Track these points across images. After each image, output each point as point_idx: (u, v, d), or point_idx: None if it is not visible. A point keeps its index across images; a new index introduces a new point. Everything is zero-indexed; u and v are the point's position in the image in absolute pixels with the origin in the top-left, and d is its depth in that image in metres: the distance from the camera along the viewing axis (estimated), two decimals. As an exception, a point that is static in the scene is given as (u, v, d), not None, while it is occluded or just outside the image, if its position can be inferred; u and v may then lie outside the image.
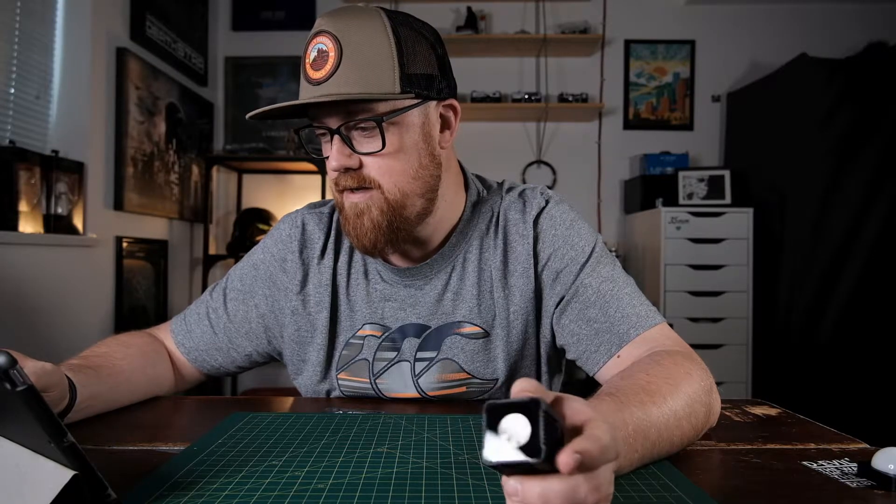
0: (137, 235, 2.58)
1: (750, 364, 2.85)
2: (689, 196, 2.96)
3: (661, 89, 3.39)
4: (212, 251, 3.17)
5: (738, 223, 2.86)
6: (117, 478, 0.48)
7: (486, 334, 0.79)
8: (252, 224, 3.11)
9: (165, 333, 0.88)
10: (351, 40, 0.67)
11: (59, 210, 2.08)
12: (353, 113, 0.69)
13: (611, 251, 3.23)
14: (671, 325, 0.75)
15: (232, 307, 0.86)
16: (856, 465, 0.54)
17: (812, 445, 0.61)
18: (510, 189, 0.85)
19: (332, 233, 0.85)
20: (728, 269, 2.85)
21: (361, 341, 0.81)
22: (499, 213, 0.82)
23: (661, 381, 0.57)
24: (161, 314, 2.78)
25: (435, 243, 0.80)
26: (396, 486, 0.48)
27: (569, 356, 0.79)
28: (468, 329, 0.79)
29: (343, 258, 0.83)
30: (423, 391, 0.79)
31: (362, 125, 0.69)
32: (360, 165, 0.71)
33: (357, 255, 0.83)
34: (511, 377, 0.79)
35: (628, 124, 3.39)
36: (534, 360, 0.81)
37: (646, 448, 0.51)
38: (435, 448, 0.57)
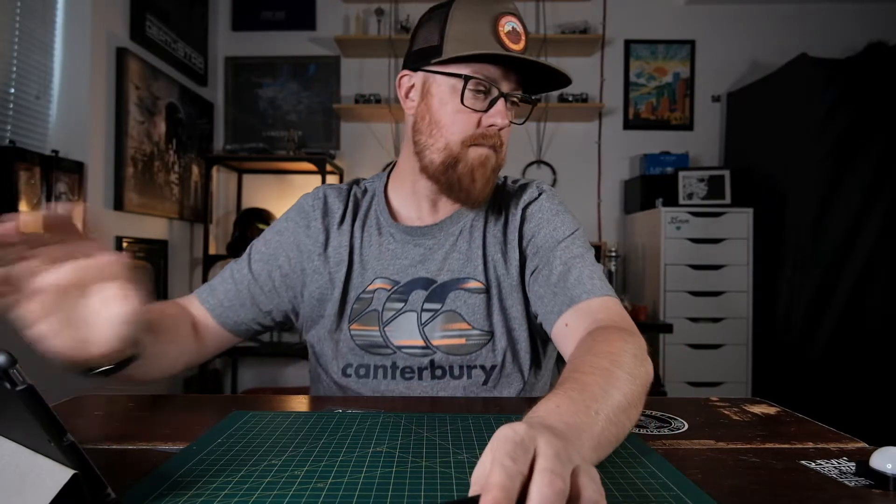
0: (137, 235, 2.58)
1: (750, 364, 2.85)
2: (689, 196, 2.96)
3: (661, 89, 3.39)
4: (212, 251, 3.17)
5: (738, 223, 2.86)
6: (117, 477, 0.48)
7: (486, 290, 0.89)
8: (252, 224, 3.11)
9: (188, 299, 0.91)
10: (528, 32, 0.86)
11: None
12: (519, 89, 0.85)
13: (610, 251, 3.20)
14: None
15: (256, 268, 0.92)
16: (854, 464, 0.54)
17: (811, 444, 0.61)
18: (516, 181, 0.99)
19: (350, 203, 0.95)
20: (728, 269, 2.85)
21: (371, 295, 0.89)
22: (502, 192, 0.96)
23: (607, 364, 0.58)
24: (161, 314, 2.78)
25: (472, 208, 0.92)
26: (396, 485, 0.48)
27: (537, 320, 0.88)
28: (472, 284, 0.89)
29: (358, 223, 0.93)
30: (427, 339, 0.87)
31: (520, 98, 0.86)
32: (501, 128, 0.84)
33: (371, 220, 0.93)
34: (504, 333, 0.88)
35: (628, 124, 3.39)
36: (523, 321, 0.89)
37: (608, 432, 0.50)
38: (435, 448, 0.57)
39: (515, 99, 0.85)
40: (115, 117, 2.42)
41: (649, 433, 0.64)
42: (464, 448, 0.57)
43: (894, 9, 3.24)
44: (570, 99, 3.20)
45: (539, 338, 0.92)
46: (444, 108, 0.84)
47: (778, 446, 0.61)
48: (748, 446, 0.61)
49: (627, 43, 3.38)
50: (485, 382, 0.87)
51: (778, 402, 0.79)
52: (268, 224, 3.12)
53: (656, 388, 2.84)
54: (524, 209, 0.92)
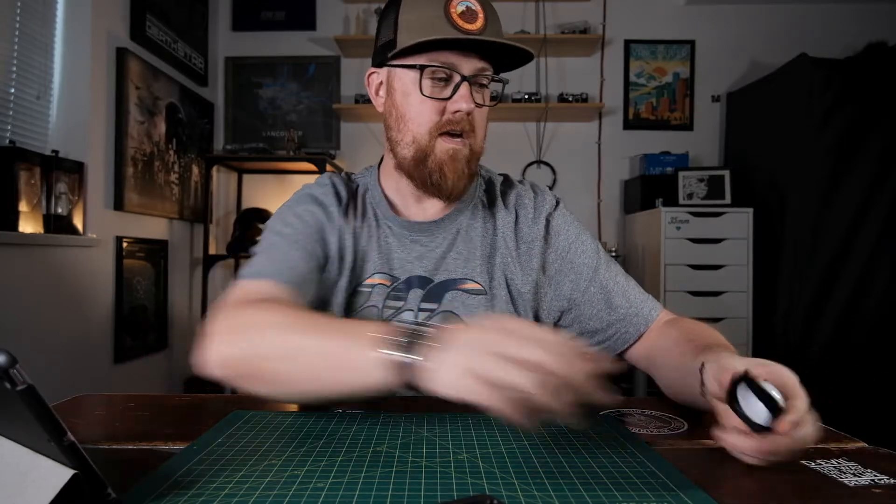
0: (137, 235, 2.58)
1: (750, 364, 2.85)
2: (689, 196, 2.96)
3: (661, 89, 3.39)
4: (212, 251, 3.17)
5: (738, 223, 2.86)
6: (117, 477, 0.48)
7: (486, 292, 0.87)
8: (252, 224, 3.11)
9: (251, 288, 0.77)
10: (488, 5, 0.81)
11: (59, 210, 2.09)
12: (484, 68, 0.82)
13: (610, 251, 3.22)
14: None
15: (301, 244, 0.83)
16: (854, 464, 0.54)
17: (810, 445, 0.61)
18: (520, 180, 0.99)
19: (352, 193, 0.93)
20: (728, 269, 2.85)
21: (370, 289, 0.87)
22: (509, 192, 0.95)
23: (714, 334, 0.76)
24: (161, 314, 2.78)
25: (451, 202, 0.90)
26: (396, 485, 0.48)
27: (591, 341, 0.89)
28: (469, 286, 0.87)
29: (359, 213, 0.91)
30: None
31: (486, 80, 0.83)
32: (469, 113, 0.82)
33: (370, 212, 0.91)
34: None
35: (628, 124, 3.39)
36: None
37: None
38: (435, 447, 0.57)
39: (483, 81, 0.83)
40: (115, 117, 2.42)
41: (649, 433, 0.64)
42: (464, 448, 0.57)
43: (894, 9, 3.24)
44: (570, 99, 3.20)
45: None
46: (407, 100, 0.83)
47: (778, 446, 0.61)
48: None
49: (627, 43, 3.38)
50: None
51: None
52: (268, 224, 3.11)
53: (656, 388, 2.84)
54: (547, 218, 0.91)
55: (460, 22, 0.78)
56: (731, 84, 3.35)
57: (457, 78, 0.80)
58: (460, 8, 0.79)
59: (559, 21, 3.32)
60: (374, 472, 0.51)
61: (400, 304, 0.87)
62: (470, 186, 0.90)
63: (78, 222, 2.19)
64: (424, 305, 0.87)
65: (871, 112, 2.66)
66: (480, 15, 0.79)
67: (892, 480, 0.51)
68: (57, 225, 2.07)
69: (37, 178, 1.99)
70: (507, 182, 0.98)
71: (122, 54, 2.43)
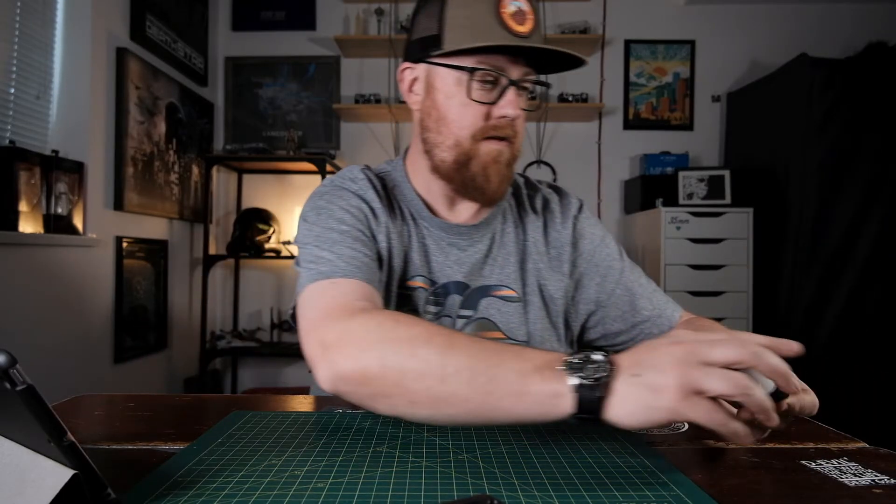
0: (137, 235, 2.58)
1: (750, 364, 2.85)
2: (689, 196, 2.96)
3: (661, 89, 3.39)
4: (212, 251, 3.17)
5: (738, 223, 2.86)
6: (117, 477, 0.48)
7: (521, 299, 0.86)
8: (252, 224, 3.11)
9: (337, 291, 0.70)
10: (536, 8, 0.78)
11: (59, 210, 2.09)
12: (530, 72, 0.79)
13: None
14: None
15: (359, 241, 0.78)
16: (855, 464, 0.54)
17: (811, 444, 0.61)
18: (538, 182, 0.98)
19: (385, 189, 0.88)
20: (728, 269, 2.85)
21: (411, 292, 0.84)
22: (535, 196, 0.94)
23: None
24: (161, 314, 2.78)
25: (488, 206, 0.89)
26: (396, 485, 0.48)
27: (615, 342, 0.90)
28: (504, 292, 0.86)
29: (396, 211, 0.86)
30: None
31: (531, 84, 0.81)
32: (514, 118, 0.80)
33: (407, 211, 0.87)
34: (540, 342, 0.86)
35: (628, 124, 3.39)
36: (557, 328, 0.89)
37: None
38: (435, 447, 0.57)
39: (527, 85, 0.81)
40: (115, 117, 2.42)
41: (649, 433, 0.64)
42: (464, 448, 0.57)
43: (894, 9, 3.24)
44: (570, 99, 3.20)
45: (576, 346, 0.92)
46: (450, 102, 0.79)
47: (778, 446, 0.61)
48: (748, 446, 0.61)
49: (627, 43, 3.38)
50: None
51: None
52: (268, 224, 3.12)
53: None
54: (574, 222, 0.91)
55: (512, 24, 0.75)
56: (731, 84, 3.35)
57: (504, 82, 0.78)
58: (511, 8, 0.75)
59: (559, 21, 3.32)
60: (374, 472, 0.51)
61: (438, 308, 0.84)
62: (508, 190, 0.88)
63: (78, 222, 2.19)
64: (462, 312, 0.85)
65: (871, 112, 2.66)
66: (530, 16, 0.76)
67: (892, 481, 0.51)
68: (57, 225, 2.07)
69: (37, 178, 1.99)
70: (530, 185, 0.97)
71: (122, 54, 2.43)
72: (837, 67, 2.70)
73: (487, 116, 0.79)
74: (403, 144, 3.35)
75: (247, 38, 3.40)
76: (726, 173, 2.95)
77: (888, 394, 2.61)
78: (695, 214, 2.87)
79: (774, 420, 0.48)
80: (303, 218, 0.82)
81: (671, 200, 2.95)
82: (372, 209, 0.82)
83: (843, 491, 0.49)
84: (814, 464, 0.55)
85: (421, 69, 0.83)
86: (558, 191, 0.96)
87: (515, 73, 0.78)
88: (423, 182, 0.88)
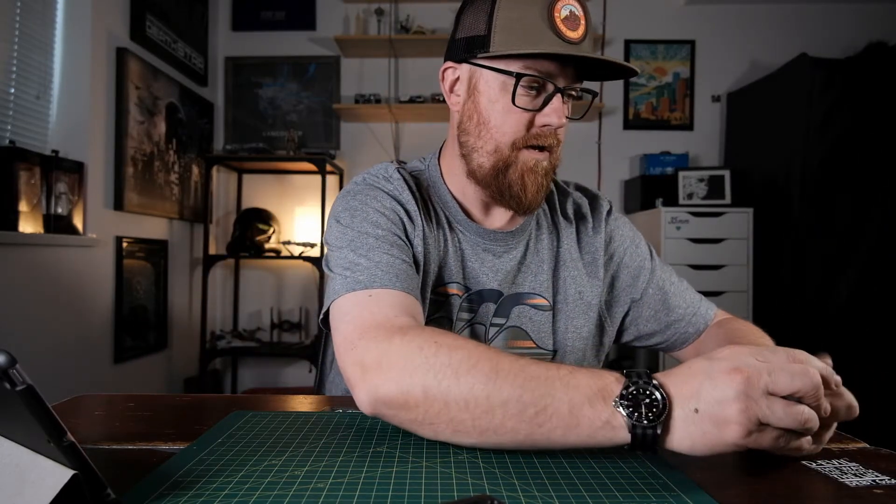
0: (137, 235, 2.58)
1: (750, 364, 2.85)
2: (689, 196, 2.96)
3: (661, 89, 3.39)
4: (212, 251, 3.17)
5: (738, 223, 2.86)
6: (117, 477, 0.48)
7: (551, 308, 0.85)
8: (252, 224, 3.11)
9: (377, 303, 0.67)
10: (588, 12, 0.75)
11: (59, 210, 2.09)
12: (577, 80, 0.76)
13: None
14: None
15: (395, 247, 0.75)
16: (856, 464, 0.54)
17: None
18: (566, 184, 0.96)
19: (420, 190, 0.85)
20: (728, 269, 2.85)
21: (445, 298, 0.82)
22: (566, 202, 0.93)
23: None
24: (161, 314, 2.78)
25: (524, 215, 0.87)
26: (396, 485, 0.48)
27: (649, 343, 0.91)
28: (536, 301, 0.85)
29: (432, 215, 0.84)
30: None
31: (577, 91, 0.78)
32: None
33: (442, 214, 0.85)
34: (568, 352, 0.86)
35: (628, 124, 3.39)
36: (591, 336, 0.88)
37: None
38: (435, 447, 0.57)
39: (574, 93, 0.78)
40: (115, 117, 2.42)
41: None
42: (464, 448, 0.57)
43: (894, 9, 3.24)
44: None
45: (602, 353, 0.91)
46: (493, 106, 0.76)
47: (778, 446, 0.61)
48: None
49: (627, 43, 3.38)
50: None
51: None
52: (268, 224, 3.12)
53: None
54: (605, 226, 0.90)
55: (564, 29, 0.71)
56: (731, 84, 3.35)
57: (550, 88, 0.74)
58: (564, 12, 0.72)
59: (559, 21, 3.32)
60: (374, 472, 0.51)
61: (471, 316, 0.83)
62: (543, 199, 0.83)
63: (78, 222, 2.19)
64: (495, 320, 0.83)
65: (871, 112, 2.66)
66: (582, 22, 0.73)
67: (893, 481, 0.51)
68: (57, 225, 2.07)
69: (37, 178, 1.99)
70: (560, 189, 0.94)
71: (122, 54, 2.43)
72: (837, 67, 2.70)
73: (530, 124, 0.76)
74: (403, 144, 3.34)
75: (247, 38, 3.40)
76: (726, 173, 2.95)
77: (888, 394, 2.61)
78: (695, 214, 2.87)
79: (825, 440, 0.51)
80: (335, 219, 0.79)
81: (671, 200, 2.95)
82: (407, 211, 0.79)
83: (844, 491, 0.49)
84: (814, 464, 0.55)
85: (464, 70, 0.80)
86: (587, 193, 0.95)
87: (563, 80, 0.74)
88: (458, 185, 0.85)
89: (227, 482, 0.48)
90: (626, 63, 0.74)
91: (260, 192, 3.41)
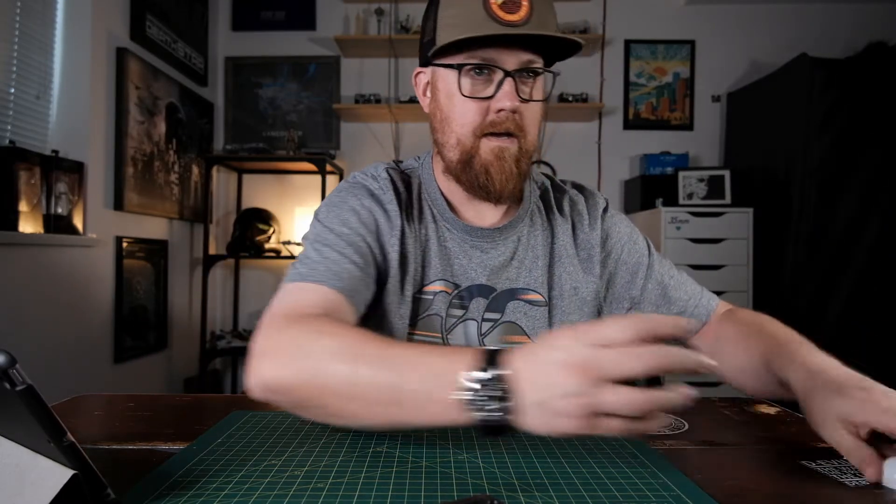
0: (137, 235, 2.58)
1: (750, 364, 2.85)
2: (689, 196, 2.96)
3: (661, 89, 3.39)
4: (212, 251, 3.17)
5: (738, 223, 2.86)
6: (117, 477, 0.48)
7: (546, 304, 0.85)
8: (252, 224, 3.11)
9: (301, 295, 0.71)
10: None
11: (59, 210, 2.09)
12: (531, 61, 0.76)
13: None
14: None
15: (355, 245, 0.77)
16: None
17: (811, 444, 0.61)
18: (563, 182, 0.96)
19: (408, 188, 0.87)
20: (728, 269, 2.85)
21: (432, 296, 0.83)
22: (562, 199, 0.92)
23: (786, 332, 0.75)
24: (161, 314, 2.78)
25: (506, 206, 0.87)
26: (396, 485, 0.48)
27: None
28: (531, 296, 0.85)
29: (417, 212, 0.85)
30: None
31: (535, 71, 0.77)
32: (515, 111, 0.77)
33: (427, 213, 0.86)
34: None
35: (628, 124, 3.39)
36: None
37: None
38: (435, 447, 0.57)
39: (529, 75, 0.77)
40: (115, 117, 2.42)
41: (649, 433, 0.64)
42: (464, 448, 0.57)
43: (894, 9, 3.24)
44: (570, 99, 3.20)
45: None
46: (450, 101, 0.79)
47: (778, 446, 0.61)
48: (748, 446, 0.61)
49: (627, 43, 3.38)
50: None
51: (778, 402, 0.79)
52: (268, 224, 3.12)
53: (656, 389, 2.85)
54: (601, 223, 0.90)
55: (500, 13, 0.72)
56: (731, 84, 3.35)
57: (499, 74, 0.75)
58: None
59: (559, 21, 3.31)
60: (374, 472, 0.51)
61: (462, 312, 0.83)
62: (521, 187, 0.83)
63: (78, 222, 2.19)
64: (488, 315, 0.84)
65: (871, 112, 2.66)
66: (524, 4, 0.73)
67: (892, 480, 0.51)
68: (57, 225, 2.07)
69: (37, 178, 1.99)
70: (556, 186, 0.95)
71: (122, 54, 2.43)
72: (837, 67, 2.70)
73: (486, 112, 0.77)
74: (403, 144, 3.35)
75: (247, 38, 3.40)
76: (726, 173, 2.95)
77: (888, 394, 2.61)
78: (695, 214, 2.87)
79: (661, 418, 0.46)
80: (315, 213, 0.83)
81: (671, 200, 2.95)
82: (386, 211, 0.82)
83: (843, 491, 0.49)
84: (814, 464, 0.55)
85: (428, 72, 0.83)
86: (583, 190, 0.95)
87: (511, 62, 0.75)
88: (444, 183, 0.87)
89: (227, 482, 0.48)
90: (561, 35, 0.73)
91: (260, 192, 3.41)
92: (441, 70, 0.80)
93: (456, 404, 0.48)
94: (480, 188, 0.80)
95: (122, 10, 2.48)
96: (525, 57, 0.76)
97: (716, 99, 3.38)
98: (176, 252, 2.94)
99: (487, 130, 0.77)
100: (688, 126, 3.38)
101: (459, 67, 0.76)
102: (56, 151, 2.11)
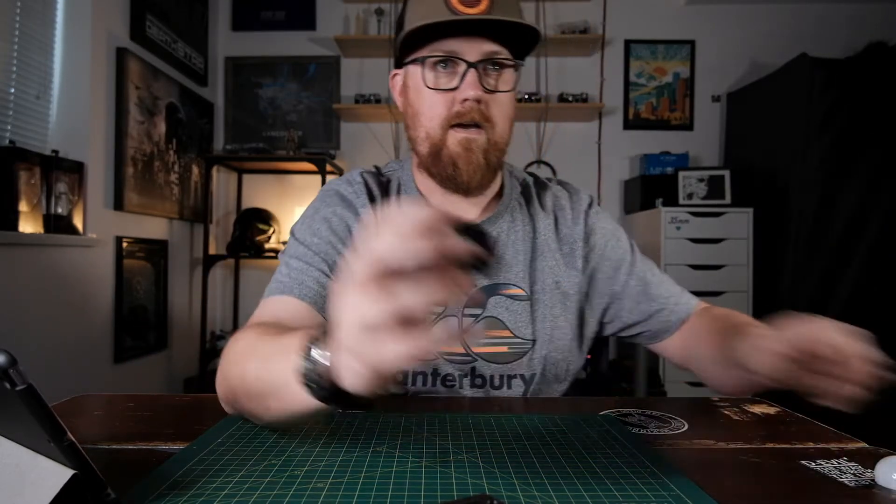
0: (137, 235, 2.58)
1: (750, 364, 2.85)
2: (689, 196, 2.96)
3: (661, 89, 3.39)
4: (212, 251, 3.17)
5: (738, 223, 2.86)
6: (117, 477, 0.48)
7: (529, 298, 0.85)
8: (252, 224, 3.11)
9: (270, 306, 0.76)
10: None
11: (59, 210, 2.09)
12: (495, 52, 0.78)
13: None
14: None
15: (321, 265, 0.80)
16: (855, 464, 0.54)
17: (811, 444, 0.61)
18: (548, 180, 0.98)
19: (385, 190, 0.90)
20: (728, 269, 2.85)
21: None
22: (544, 194, 0.93)
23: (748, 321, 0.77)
24: (161, 314, 2.78)
25: (487, 200, 0.88)
26: (396, 485, 0.48)
27: (631, 333, 0.91)
28: (512, 291, 0.85)
29: None
30: (468, 346, 0.83)
31: (500, 62, 0.79)
32: (480, 102, 0.78)
33: None
34: (547, 341, 0.85)
35: (628, 124, 3.39)
36: (571, 326, 0.88)
37: None
38: (434, 447, 0.57)
39: (493, 66, 0.79)
40: (115, 117, 2.42)
41: (649, 433, 0.64)
42: (464, 448, 0.57)
43: (894, 9, 3.24)
44: (570, 99, 3.20)
45: (585, 345, 0.90)
46: (419, 96, 0.81)
47: (778, 446, 0.61)
48: (748, 446, 0.61)
49: (627, 43, 3.38)
50: (524, 393, 0.84)
51: (778, 402, 0.79)
52: (268, 224, 3.12)
53: (656, 389, 2.84)
54: (585, 218, 0.91)
55: (459, 7, 0.74)
56: (731, 84, 3.35)
57: (462, 66, 0.77)
58: None
59: (559, 21, 3.32)
60: (374, 472, 0.51)
61: (441, 308, 0.83)
62: (491, 179, 0.85)
63: (78, 222, 2.19)
64: (468, 311, 0.85)
65: (871, 112, 2.66)
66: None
67: (892, 480, 0.51)
68: (57, 225, 2.07)
69: (37, 178, 1.99)
70: (539, 183, 0.96)
71: (122, 54, 2.43)
72: (837, 67, 2.70)
73: (453, 103, 0.78)
74: (404, 144, 3.35)
75: (247, 38, 3.40)
76: (726, 173, 2.95)
77: (888, 394, 2.61)
78: (695, 214, 2.87)
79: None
80: (291, 229, 0.87)
81: (671, 200, 2.95)
82: (358, 215, 0.85)
83: (843, 491, 0.49)
84: (814, 464, 0.55)
85: (402, 72, 0.86)
86: (567, 187, 0.96)
87: (473, 54, 0.77)
88: (421, 180, 0.89)
89: (227, 482, 0.48)
90: (516, 20, 0.75)
91: (260, 192, 3.41)
92: (410, 67, 0.82)
93: (303, 390, 0.46)
94: (449, 180, 0.82)
95: (122, 10, 2.48)
96: (488, 48, 0.77)
97: (716, 99, 3.38)
98: (176, 252, 2.94)
99: (454, 122, 0.79)
100: (688, 126, 3.38)
101: (423, 61, 0.79)
102: (56, 151, 2.11)
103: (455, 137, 0.79)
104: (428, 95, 0.79)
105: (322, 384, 0.45)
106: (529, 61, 3.36)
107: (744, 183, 2.98)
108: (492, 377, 0.84)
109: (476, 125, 0.79)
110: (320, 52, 3.39)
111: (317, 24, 3.39)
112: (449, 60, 0.78)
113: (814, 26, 3.28)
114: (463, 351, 0.83)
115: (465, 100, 0.77)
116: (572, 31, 3.23)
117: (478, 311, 0.85)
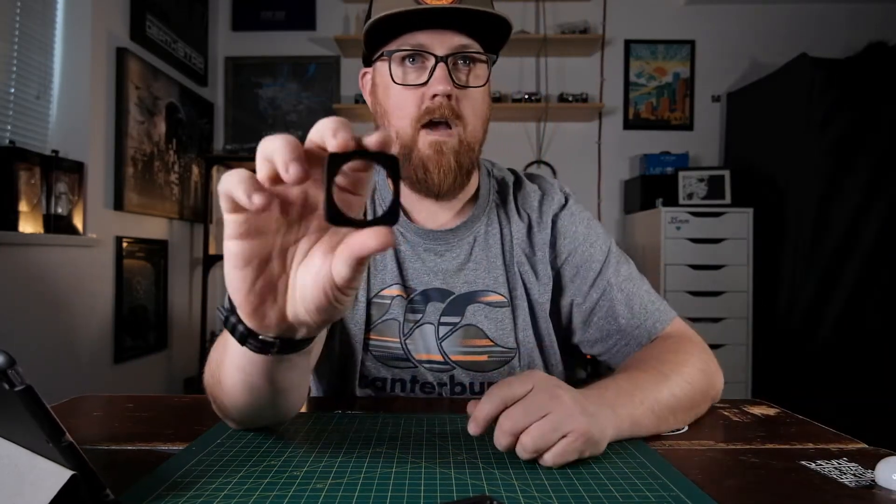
0: (137, 235, 2.58)
1: (750, 364, 2.85)
2: (689, 196, 2.96)
3: (661, 89, 3.39)
4: (212, 251, 3.17)
5: (738, 223, 2.86)
6: (116, 478, 0.48)
7: (509, 304, 0.82)
8: (252, 224, 3.10)
9: None
10: None
11: (59, 210, 2.09)
12: (465, 46, 0.74)
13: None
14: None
15: None
16: (855, 465, 0.54)
17: (811, 445, 0.61)
18: (530, 177, 0.92)
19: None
20: (728, 269, 2.85)
21: (389, 300, 0.81)
22: (520, 196, 0.88)
23: (663, 359, 0.68)
24: (161, 314, 2.78)
25: (461, 204, 0.84)
26: (396, 485, 0.48)
27: (593, 351, 0.84)
28: (492, 298, 0.82)
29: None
30: (446, 355, 0.81)
31: (471, 56, 0.75)
32: (451, 97, 0.74)
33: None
34: (532, 349, 0.82)
35: (628, 124, 3.39)
36: (548, 335, 0.84)
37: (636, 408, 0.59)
38: (434, 447, 0.57)
39: (464, 60, 0.75)
40: (115, 117, 2.42)
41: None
42: (464, 448, 0.57)
43: (894, 9, 3.24)
44: (570, 99, 3.20)
45: (568, 353, 0.87)
46: (387, 93, 0.77)
47: (778, 447, 0.61)
48: (748, 447, 0.61)
49: (627, 43, 3.38)
50: None
51: (778, 402, 0.79)
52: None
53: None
54: (553, 220, 0.85)
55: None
56: (731, 84, 3.35)
57: (431, 60, 0.73)
58: None
59: (559, 21, 3.32)
60: (374, 472, 0.51)
61: (418, 316, 0.81)
62: (464, 183, 0.80)
63: (78, 222, 2.19)
64: (445, 319, 0.81)
65: (871, 112, 2.66)
66: None
67: (892, 481, 0.50)
68: (57, 225, 2.07)
69: (37, 178, 1.99)
70: (518, 182, 0.90)
71: (122, 54, 2.43)
72: (837, 67, 2.70)
73: (422, 100, 0.74)
74: (403, 144, 3.35)
75: (247, 38, 3.40)
76: (726, 173, 2.95)
77: (888, 394, 2.61)
78: (695, 214, 2.87)
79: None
80: None
81: (671, 200, 2.95)
82: None
83: (844, 491, 0.49)
84: (814, 464, 0.55)
85: (370, 71, 0.83)
86: (543, 187, 0.89)
87: (442, 47, 0.73)
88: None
89: (227, 482, 0.48)
90: (483, 9, 0.71)
91: (260, 192, 3.41)
92: (378, 64, 0.79)
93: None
94: (419, 183, 0.77)
95: (122, 10, 2.48)
96: (457, 41, 0.74)
97: (716, 99, 3.38)
98: (176, 252, 2.94)
99: (424, 120, 0.74)
100: (688, 126, 3.38)
101: (390, 55, 0.75)
102: (56, 151, 2.11)
103: (426, 140, 0.75)
104: (396, 92, 0.75)
105: (235, 320, 0.44)
106: (530, 62, 3.36)
107: (744, 183, 2.98)
108: (472, 384, 0.81)
109: (446, 123, 0.74)
110: (320, 52, 3.39)
111: (317, 24, 3.39)
112: (417, 55, 0.74)
113: (814, 26, 3.28)
114: (441, 359, 0.81)
115: (435, 95, 0.73)
116: (572, 31, 3.23)
117: (455, 320, 0.81)
